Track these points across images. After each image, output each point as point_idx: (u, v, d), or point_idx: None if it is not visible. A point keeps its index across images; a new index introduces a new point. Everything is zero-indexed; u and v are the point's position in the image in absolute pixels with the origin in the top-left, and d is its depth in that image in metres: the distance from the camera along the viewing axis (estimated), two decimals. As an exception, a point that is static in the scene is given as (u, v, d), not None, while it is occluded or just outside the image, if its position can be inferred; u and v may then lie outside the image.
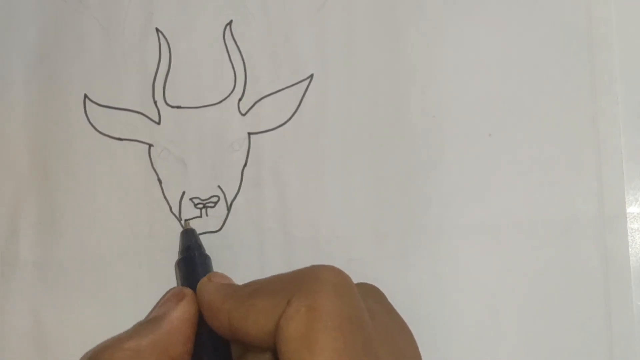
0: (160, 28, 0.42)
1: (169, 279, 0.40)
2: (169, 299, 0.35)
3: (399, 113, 0.40)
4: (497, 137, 0.39)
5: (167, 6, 0.42)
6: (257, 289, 0.32)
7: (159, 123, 0.41)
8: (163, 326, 0.33)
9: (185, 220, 0.40)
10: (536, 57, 0.39)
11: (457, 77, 0.39)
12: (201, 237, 0.40)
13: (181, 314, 0.33)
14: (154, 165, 0.41)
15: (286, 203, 0.40)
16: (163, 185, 0.41)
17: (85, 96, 0.41)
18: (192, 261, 0.38)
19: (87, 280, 0.40)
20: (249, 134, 0.41)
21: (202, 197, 0.41)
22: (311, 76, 0.40)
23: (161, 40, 0.41)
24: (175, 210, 0.41)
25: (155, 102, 0.41)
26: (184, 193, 0.41)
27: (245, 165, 0.41)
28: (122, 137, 0.41)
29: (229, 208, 0.40)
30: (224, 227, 0.40)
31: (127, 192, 0.41)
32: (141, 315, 0.38)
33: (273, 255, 0.40)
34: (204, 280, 0.35)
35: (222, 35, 0.41)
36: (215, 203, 0.40)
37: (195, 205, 0.40)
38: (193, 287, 0.36)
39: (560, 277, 0.38)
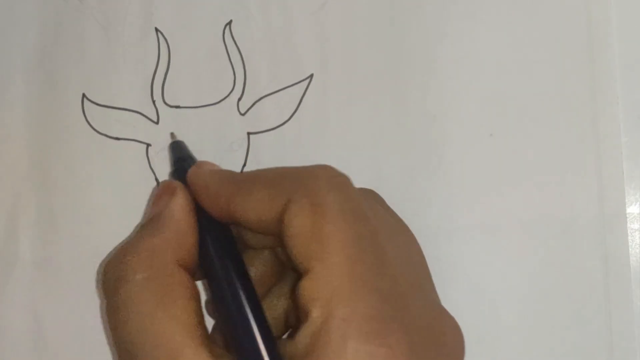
0: (159, 28, 0.41)
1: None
2: (159, 196, 0.33)
3: (399, 113, 0.40)
4: (497, 137, 0.39)
5: (167, 6, 0.41)
6: (255, 177, 0.32)
7: (157, 123, 0.41)
8: (167, 222, 0.32)
9: (172, 132, 0.40)
10: (536, 57, 0.39)
11: (457, 77, 0.39)
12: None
13: (181, 206, 0.32)
14: (152, 165, 0.41)
15: (285, 203, 0.40)
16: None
17: (84, 95, 0.41)
18: (186, 171, 0.36)
19: (86, 279, 0.40)
20: (249, 133, 0.41)
21: (200, 198, 0.40)
22: (311, 76, 0.40)
23: (160, 40, 0.41)
24: (173, 210, 0.40)
25: (153, 102, 0.41)
26: (181, 193, 0.40)
27: (244, 165, 0.40)
28: (120, 136, 0.41)
29: (227, 208, 0.40)
30: (222, 228, 0.40)
31: (125, 192, 0.41)
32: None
33: (272, 256, 0.40)
34: (193, 168, 0.34)
35: (221, 35, 0.41)
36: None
37: (193, 205, 0.40)
38: None
39: (560, 277, 0.38)
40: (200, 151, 0.40)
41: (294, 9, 0.41)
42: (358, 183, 0.39)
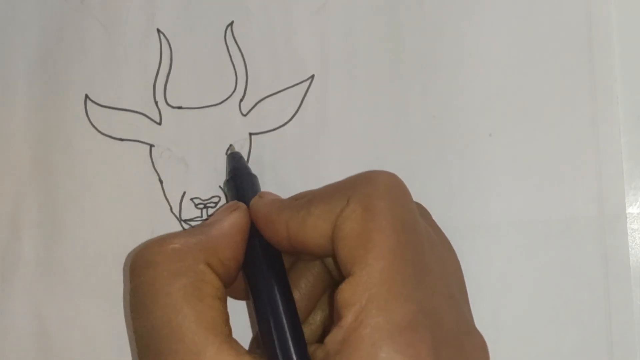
0: (161, 28, 0.42)
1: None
2: (222, 211, 0.34)
3: (399, 113, 0.40)
4: (497, 137, 0.39)
5: (168, 7, 0.42)
6: (313, 198, 0.32)
7: (160, 123, 0.41)
8: (212, 230, 0.33)
9: (231, 144, 0.41)
10: (536, 57, 0.39)
11: (457, 77, 0.39)
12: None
13: (233, 221, 0.33)
14: (155, 166, 0.41)
15: (287, 203, 0.40)
16: (164, 185, 0.41)
17: (87, 96, 0.42)
18: (241, 180, 0.38)
19: (89, 279, 0.40)
20: (250, 134, 0.41)
21: (203, 198, 0.41)
22: (312, 77, 0.41)
23: (162, 41, 0.42)
24: (176, 210, 0.41)
25: (156, 103, 0.41)
26: (184, 193, 0.41)
27: (245, 165, 0.41)
28: (123, 137, 0.41)
29: (230, 208, 0.40)
30: (225, 228, 0.40)
31: (128, 192, 0.41)
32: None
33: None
34: (255, 198, 0.35)
35: (223, 36, 0.41)
36: (216, 203, 0.40)
37: (196, 205, 0.41)
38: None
39: (560, 277, 0.38)
40: (202, 152, 0.41)
41: (295, 10, 0.41)
42: (358, 183, 0.39)
